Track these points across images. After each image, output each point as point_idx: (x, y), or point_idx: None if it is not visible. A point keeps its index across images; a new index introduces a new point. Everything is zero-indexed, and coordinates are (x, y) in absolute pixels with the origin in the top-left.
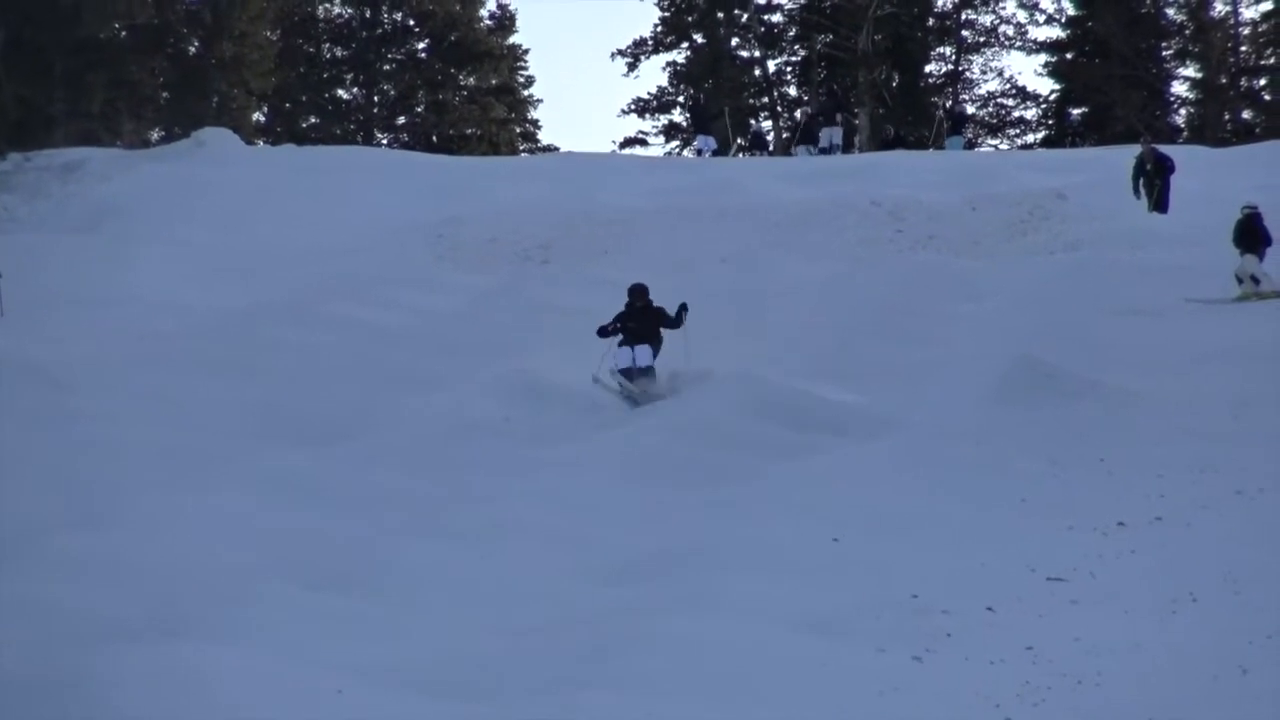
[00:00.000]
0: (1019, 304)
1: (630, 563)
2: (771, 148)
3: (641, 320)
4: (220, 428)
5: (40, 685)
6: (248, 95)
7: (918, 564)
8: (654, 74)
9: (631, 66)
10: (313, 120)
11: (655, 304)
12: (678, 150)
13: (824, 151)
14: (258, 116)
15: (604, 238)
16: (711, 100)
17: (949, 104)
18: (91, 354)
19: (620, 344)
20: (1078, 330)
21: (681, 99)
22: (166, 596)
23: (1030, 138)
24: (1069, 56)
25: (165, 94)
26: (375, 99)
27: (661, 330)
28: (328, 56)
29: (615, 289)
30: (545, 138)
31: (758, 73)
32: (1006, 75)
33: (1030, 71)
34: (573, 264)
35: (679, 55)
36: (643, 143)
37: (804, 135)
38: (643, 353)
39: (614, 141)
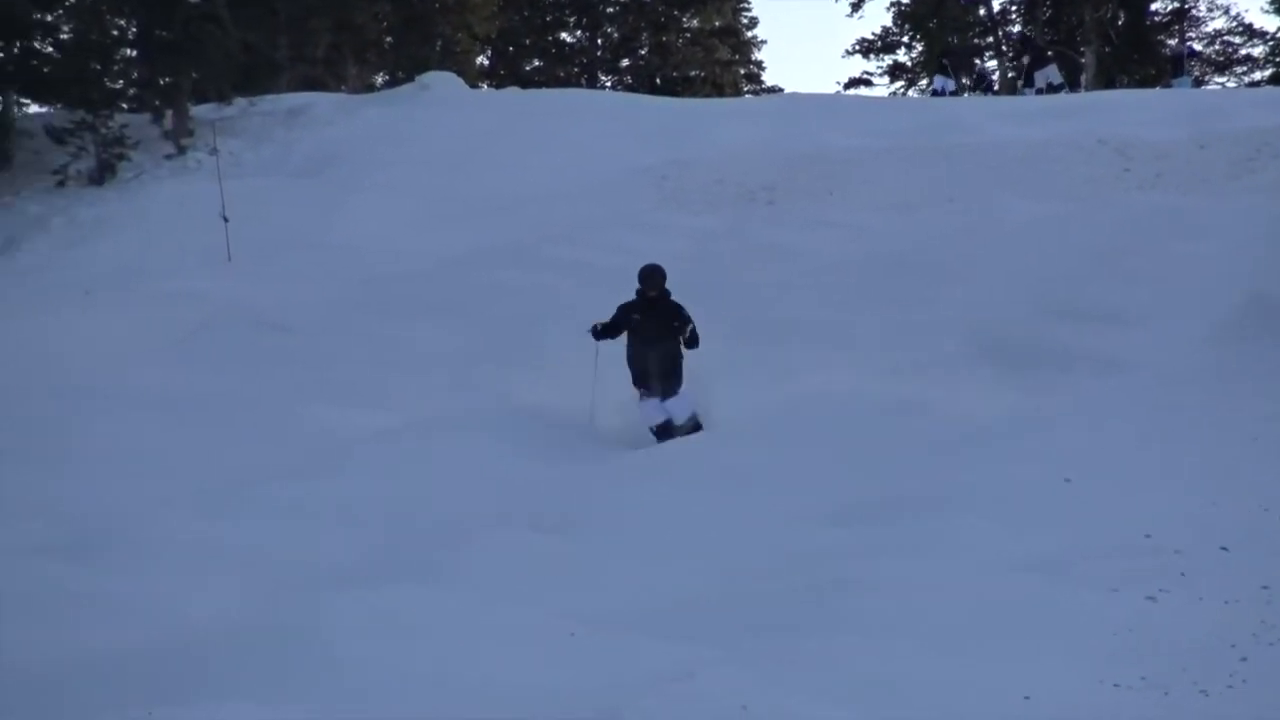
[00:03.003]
0: (1248, 243)
1: (852, 506)
2: (996, 87)
3: (654, 318)
4: (442, 370)
5: (262, 631)
6: (471, 39)
7: (1149, 504)
8: (878, 14)
9: (855, 7)
10: (536, 63)
11: (674, 298)
12: (903, 91)
13: (1049, 90)
14: (481, 60)
15: (829, 179)
16: (937, 40)
17: (1175, 42)
18: (315, 298)
19: (638, 383)
20: None
21: (906, 40)
22: (386, 542)
23: (1257, 75)
24: None
25: (389, 38)
26: (598, 42)
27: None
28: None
29: (842, 230)
30: (769, 79)
31: (982, 11)
32: (1233, 13)
33: (1257, 8)
34: (798, 205)
35: None
36: (867, 83)
37: (1029, 75)
38: (679, 406)
39: (838, 83)
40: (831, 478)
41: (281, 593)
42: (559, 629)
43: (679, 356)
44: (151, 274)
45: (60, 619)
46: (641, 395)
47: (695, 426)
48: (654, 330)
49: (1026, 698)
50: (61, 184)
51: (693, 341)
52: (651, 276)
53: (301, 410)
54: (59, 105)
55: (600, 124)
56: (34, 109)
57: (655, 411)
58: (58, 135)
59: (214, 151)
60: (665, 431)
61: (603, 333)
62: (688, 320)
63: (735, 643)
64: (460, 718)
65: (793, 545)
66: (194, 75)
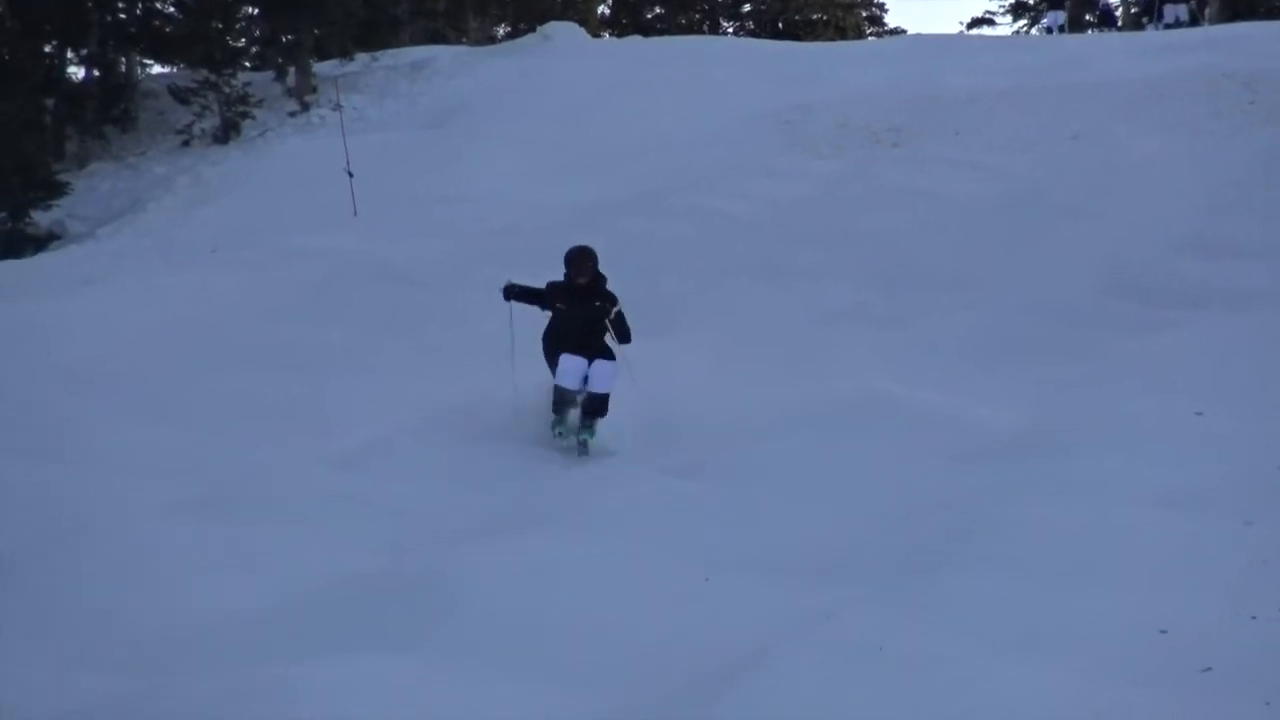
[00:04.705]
0: None
1: (984, 445)
2: (1120, 23)
3: (582, 309)
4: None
5: (394, 584)
6: None
7: None
8: None
9: None
10: (657, 11)
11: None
12: (1025, 29)
13: (1175, 25)
14: (602, 9)
15: (954, 119)
16: None
17: None
18: (441, 251)
19: (550, 362)
20: None
21: None
22: (516, 494)
23: None
24: None
25: None
26: None
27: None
28: None
29: (968, 170)
30: (891, 21)
31: None
32: None
33: None
34: (923, 146)
35: None
36: (990, 22)
37: (1158, 8)
38: (601, 372)
39: (961, 23)
40: (964, 417)
41: (413, 545)
42: (694, 575)
43: (600, 339)
44: (277, 231)
45: (197, 576)
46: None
47: (603, 410)
48: (578, 323)
49: (1163, 631)
50: (186, 143)
51: (623, 333)
52: (581, 259)
53: (429, 364)
54: (182, 65)
55: (722, 70)
56: (157, 69)
57: (574, 373)
58: (181, 95)
59: (337, 107)
60: (564, 402)
61: (519, 295)
62: (615, 303)
63: (872, 585)
64: (595, 665)
65: (927, 487)
66: (315, 32)
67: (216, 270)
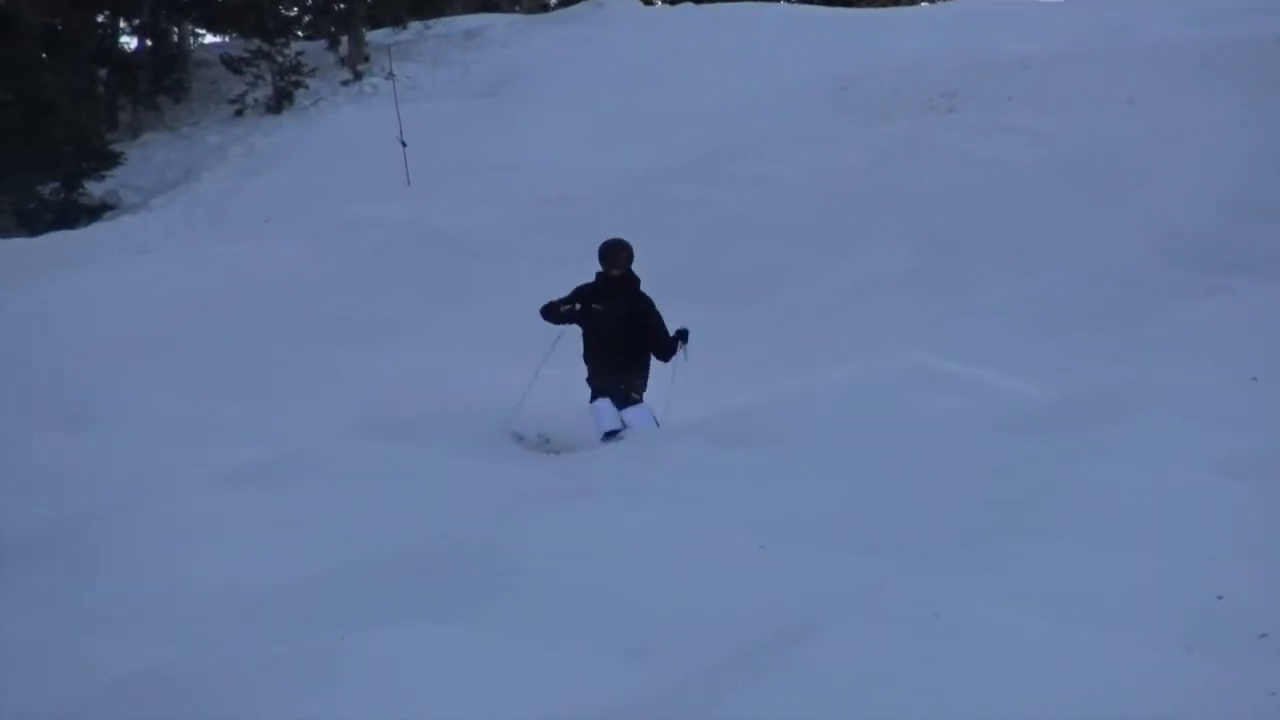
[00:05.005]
0: None
1: (1036, 411)
2: None
3: (616, 308)
4: None
5: (449, 553)
6: None
7: None
8: None
9: None
10: None
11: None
12: None
13: None
14: None
15: (1007, 84)
16: None
17: None
18: (494, 220)
19: (592, 385)
20: None
21: None
22: (568, 465)
23: None
24: None
25: None
26: None
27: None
28: None
29: (1022, 136)
30: None
31: None
32: None
33: None
34: (977, 112)
35: None
36: None
37: None
38: (636, 417)
39: None
40: (1016, 384)
41: (465, 515)
42: (748, 543)
43: (637, 359)
44: (330, 200)
45: (249, 545)
46: (593, 397)
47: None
48: (608, 326)
49: (1219, 597)
50: (239, 113)
51: (662, 348)
52: (615, 251)
53: (482, 334)
54: (234, 35)
55: (775, 37)
56: (210, 39)
57: (608, 418)
58: (234, 65)
59: (390, 76)
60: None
61: (566, 316)
62: (655, 315)
63: (927, 552)
64: (646, 634)
65: (980, 454)
66: (368, 1)
67: (270, 240)
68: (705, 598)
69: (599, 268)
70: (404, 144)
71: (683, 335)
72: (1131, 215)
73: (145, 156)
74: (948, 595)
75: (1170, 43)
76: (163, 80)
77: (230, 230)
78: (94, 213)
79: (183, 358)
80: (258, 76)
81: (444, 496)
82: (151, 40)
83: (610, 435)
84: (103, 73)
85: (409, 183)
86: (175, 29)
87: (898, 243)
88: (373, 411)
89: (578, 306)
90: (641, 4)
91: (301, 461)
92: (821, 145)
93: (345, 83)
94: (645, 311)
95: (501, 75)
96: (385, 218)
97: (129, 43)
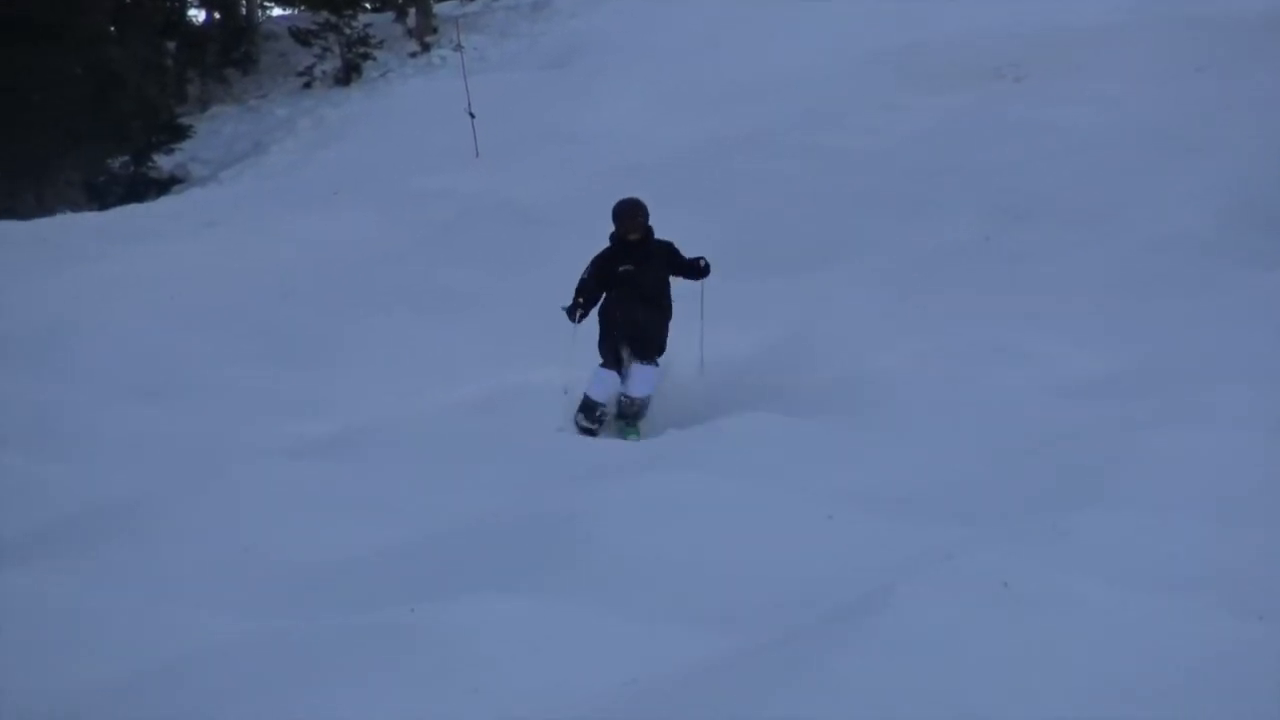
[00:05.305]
0: None
1: (1107, 379)
2: None
3: (646, 267)
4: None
5: (521, 523)
6: None
7: None
8: None
9: None
10: None
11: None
12: None
13: None
14: None
15: (1076, 53)
16: None
17: None
18: (564, 190)
19: (606, 348)
20: None
21: None
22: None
23: None
24: None
25: None
26: None
27: (671, 287)
28: None
29: (1091, 105)
30: None
31: None
32: None
33: None
34: (1045, 80)
35: None
36: None
37: None
38: (642, 376)
39: None
40: (1087, 352)
41: (539, 486)
42: (816, 512)
43: (668, 316)
44: (399, 172)
45: (324, 517)
46: (603, 364)
47: (641, 414)
48: (649, 283)
49: None
50: (308, 85)
51: (697, 272)
52: (632, 213)
53: (552, 305)
54: (302, 7)
55: (840, 5)
56: (277, 12)
57: (606, 385)
58: (302, 37)
59: (458, 47)
60: (592, 422)
61: (584, 306)
62: (687, 261)
63: (997, 521)
64: (719, 603)
65: (1051, 422)
66: None
67: (338, 212)
68: (776, 566)
69: (628, 232)
70: (472, 115)
71: (704, 264)
72: (1201, 183)
73: (214, 129)
74: (1018, 564)
75: (1238, 10)
76: (231, 53)
77: (298, 203)
78: (163, 186)
79: (253, 330)
80: (326, 49)
81: (515, 468)
82: (220, 13)
83: (594, 405)
84: (171, 46)
85: (477, 154)
86: (243, 1)
87: (966, 212)
88: (448, 383)
89: (598, 283)
90: None
91: (373, 434)
92: (887, 114)
93: (413, 55)
94: (674, 253)
95: (569, 46)
96: (454, 189)
97: (197, 16)
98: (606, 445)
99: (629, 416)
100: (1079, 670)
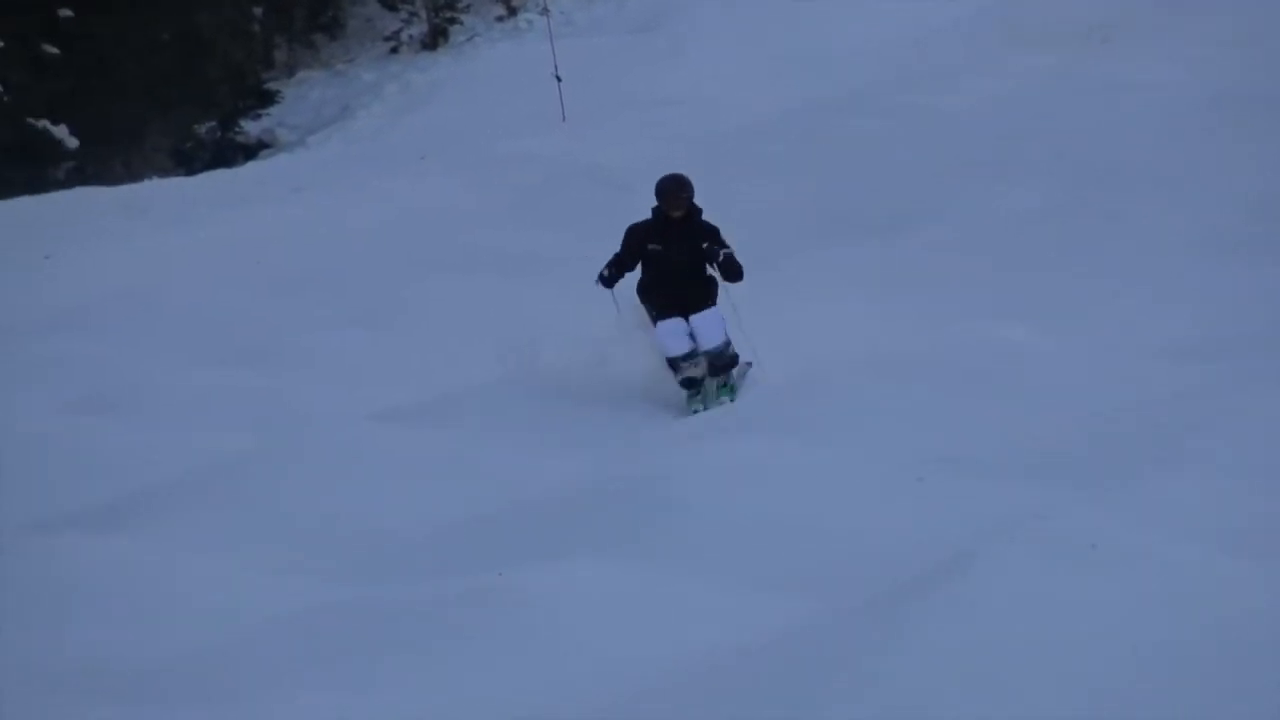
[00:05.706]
0: None
1: (1197, 342)
2: None
3: (680, 248)
4: (784, 224)
5: (611, 486)
6: None
7: None
8: None
9: None
10: None
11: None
12: None
13: None
14: None
15: (1169, 12)
16: None
17: None
18: (652, 155)
19: (657, 309)
20: None
21: None
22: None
23: None
24: None
25: None
26: None
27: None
28: None
29: (1184, 65)
30: None
31: None
32: None
33: None
34: (1134, 42)
35: None
36: None
37: None
38: (708, 325)
39: None
40: (1175, 314)
41: (623, 452)
42: (904, 476)
43: (712, 283)
44: (485, 136)
45: (410, 483)
46: (659, 317)
47: (732, 360)
48: (682, 264)
49: None
50: (394, 50)
51: (732, 271)
52: (675, 190)
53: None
54: None
55: None
56: None
57: (677, 336)
58: (389, 2)
59: (545, 11)
60: (692, 368)
61: (614, 275)
62: (724, 244)
63: (1086, 483)
64: (806, 567)
65: (1142, 384)
66: None
67: (425, 176)
68: (865, 529)
69: (700, 204)
70: (559, 79)
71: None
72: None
73: (301, 94)
74: (1107, 526)
75: None
76: (318, 18)
77: (386, 167)
78: (250, 151)
79: (340, 295)
80: (413, 13)
81: (601, 433)
82: None
83: (680, 361)
84: (259, 11)
85: (564, 118)
86: None
87: (1053, 174)
88: (533, 350)
89: (631, 257)
90: None
91: (460, 399)
92: (982, 75)
93: (500, 19)
94: (713, 242)
95: (656, 10)
96: (540, 153)
97: None
98: (697, 413)
99: (719, 370)
100: (1165, 634)
